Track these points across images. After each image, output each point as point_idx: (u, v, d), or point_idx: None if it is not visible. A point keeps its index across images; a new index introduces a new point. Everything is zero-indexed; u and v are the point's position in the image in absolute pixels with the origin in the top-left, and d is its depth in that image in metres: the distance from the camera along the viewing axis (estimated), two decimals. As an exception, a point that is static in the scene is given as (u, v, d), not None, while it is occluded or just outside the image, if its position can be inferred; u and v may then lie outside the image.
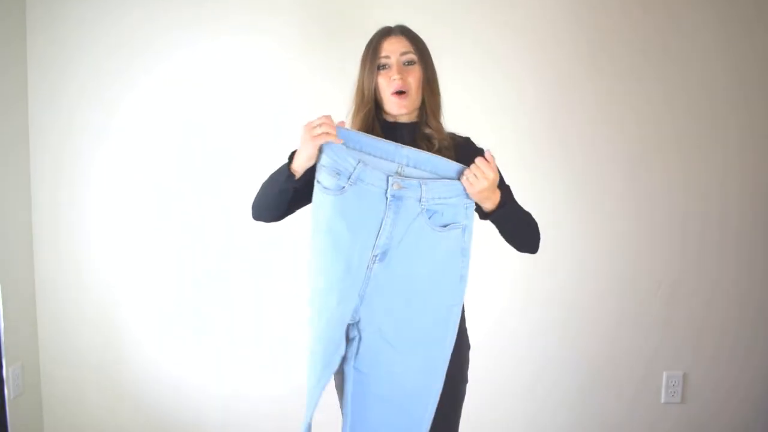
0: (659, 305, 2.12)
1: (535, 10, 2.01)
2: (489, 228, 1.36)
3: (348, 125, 1.41)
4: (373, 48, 1.37)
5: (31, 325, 2.07)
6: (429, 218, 1.26)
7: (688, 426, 2.16)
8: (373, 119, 1.38)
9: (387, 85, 1.36)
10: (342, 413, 1.39)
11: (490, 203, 1.28)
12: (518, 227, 1.37)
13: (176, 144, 2.04)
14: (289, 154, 1.31)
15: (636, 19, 2.02)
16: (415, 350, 1.31)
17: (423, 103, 1.40)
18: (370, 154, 1.26)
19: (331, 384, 1.37)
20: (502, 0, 2.00)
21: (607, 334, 2.12)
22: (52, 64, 2.00)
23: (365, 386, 1.32)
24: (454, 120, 1.47)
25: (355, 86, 1.41)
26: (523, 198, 1.41)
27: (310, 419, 1.33)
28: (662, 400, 2.15)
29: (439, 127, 1.40)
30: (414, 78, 1.36)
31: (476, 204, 1.30)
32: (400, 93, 1.35)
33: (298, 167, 1.26)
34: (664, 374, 2.14)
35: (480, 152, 1.40)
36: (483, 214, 1.33)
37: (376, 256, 1.26)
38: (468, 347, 1.43)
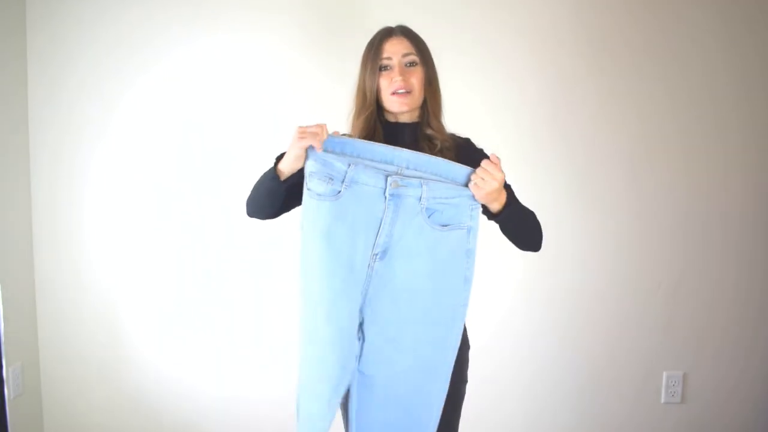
0: (659, 305, 2.12)
1: (537, 7, 2.00)
2: (489, 228, 1.36)
3: (348, 127, 1.41)
4: (374, 49, 1.37)
5: (31, 325, 2.07)
6: (428, 217, 1.25)
7: (688, 426, 2.16)
8: (375, 122, 1.38)
9: (388, 86, 1.36)
10: (343, 415, 1.39)
11: (498, 204, 1.28)
12: (523, 226, 1.37)
13: (176, 142, 2.03)
14: (276, 155, 1.31)
15: (637, 16, 2.01)
16: (418, 350, 1.30)
17: (424, 103, 1.39)
18: (367, 159, 1.25)
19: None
20: (503, -2, 2.01)
21: (607, 334, 2.12)
22: (51, 61, 2.00)
23: (369, 388, 1.31)
24: (455, 118, 1.47)
25: (356, 86, 1.41)
26: (524, 196, 1.40)
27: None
28: (662, 400, 2.15)
29: (441, 128, 1.40)
30: (416, 78, 1.36)
31: (482, 206, 1.29)
32: (401, 93, 1.35)
33: (284, 168, 1.26)
34: (664, 374, 2.14)
35: (480, 153, 1.40)
36: (490, 216, 1.33)
37: (377, 254, 1.26)
38: (468, 347, 1.43)
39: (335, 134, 1.28)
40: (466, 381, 1.44)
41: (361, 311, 1.28)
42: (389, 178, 1.23)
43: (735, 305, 2.12)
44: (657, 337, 2.12)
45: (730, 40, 2.03)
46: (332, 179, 1.22)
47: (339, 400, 1.31)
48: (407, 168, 1.25)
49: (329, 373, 1.28)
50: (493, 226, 1.37)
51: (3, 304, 1.93)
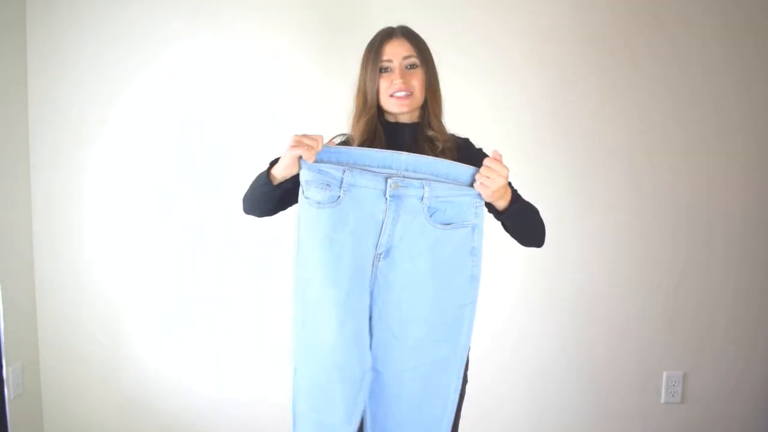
0: (660, 305, 2.12)
1: (537, 6, 2.00)
2: (489, 229, 1.35)
3: (349, 128, 1.41)
4: (374, 51, 1.37)
5: (31, 325, 2.07)
6: (430, 216, 1.25)
7: (688, 426, 2.16)
8: (376, 124, 1.38)
9: (388, 87, 1.36)
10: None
11: (504, 201, 1.28)
12: (529, 221, 1.37)
13: (175, 140, 2.03)
14: (271, 160, 1.32)
15: (638, 15, 2.01)
16: (425, 348, 1.30)
17: (425, 104, 1.40)
18: (365, 165, 1.25)
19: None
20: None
21: (607, 334, 2.12)
22: (50, 57, 2.00)
23: (381, 384, 1.32)
24: (456, 117, 1.47)
25: (356, 87, 1.41)
26: (525, 195, 1.40)
27: None
28: (662, 400, 2.15)
29: (442, 129, 1.40)
30: (417, 80, 1.36)
31: (487, 205, 1.29)
32: (402, 96, 1.35)
33: (277, 174, 1.27)
34: (664, 374, 2.14)
35: (480, 152, 1.40)
36: (496, 214, 1.33)
37: (380, 254, 1.26)
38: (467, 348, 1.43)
39: (331, 144, 1.28)
40: (466, 381, 1.44)
41: (369, 308, 1.29)
42: (389, 180, 1.24)
43: (735, 305, 2.12)
44: (657, 337, 2.12)
45: (731, 38, 2.03)
46: (329, 185, 1.23)
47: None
48: (407, 170, 1.25)
49: (351, 373, 1.28)
50: (495, 226, 1.37)
51: (3, 304, 1.93)
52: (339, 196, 1.24)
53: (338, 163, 1.25)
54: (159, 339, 2.10)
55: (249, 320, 2.09)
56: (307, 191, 1.25)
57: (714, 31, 2.02)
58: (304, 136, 1.23)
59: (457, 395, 1.33)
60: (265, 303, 2.07)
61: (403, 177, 1.25)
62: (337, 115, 1.46)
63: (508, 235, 1.40)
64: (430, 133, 1.39)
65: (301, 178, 1.25)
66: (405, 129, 1.40)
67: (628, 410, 2.15)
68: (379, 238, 1.26)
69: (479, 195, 1.25)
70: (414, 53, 1.36)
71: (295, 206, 1.35)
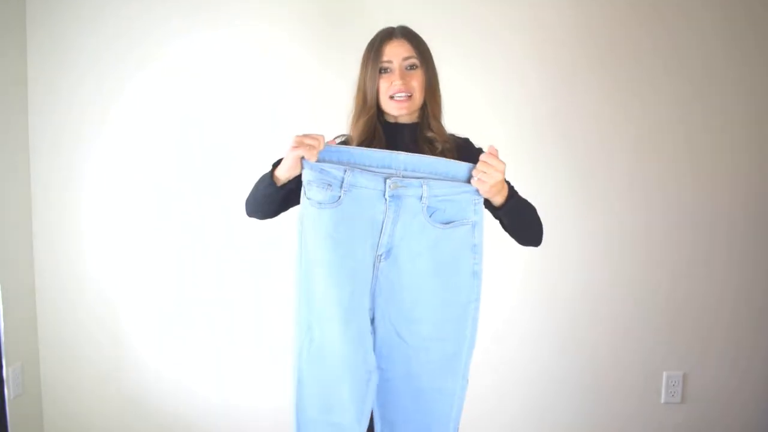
0: (660, 305, 2.11)
1: (538, 1, 2.00)
2: (489, 228, 1.35)
3: (349, 128, 1.42)
4: (374, 51, 1.37)
5: (31, 325, 2.07)
6: (430, 215, 1.26)
7: (688, 426, 2.16)
8: (375, 124, 1.38)
9: (388, 88, 1.36)
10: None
11: (501, 197, 1.29)
12: (526, 218, 1.37)
13: (175, 138, 2.03)
14: (273, 162, 1.32)
15: (639, 5, 2.01)
16: (429, 347, 1.31)
17: (424, 105, 1.40)
18: (364, 165, 1.26)
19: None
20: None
21: (607, 334, 2.12)
22: (50, 55, 2.00)
23: (388, 381, 1.32)
24: (457, 113, 1.48)
25: (356, 86, 1.41)
26: (525, 193, 1.40)
27: None
28: (662, 400, 2.15)
29: (441, 130, 1.41)
30: (417, 82, 1.36)
31: (485, 203, 1.30)
32: (401, 98, 1.35)
33: (280, 175, 1.28)
34: (664, 374, 2.14)
35: (480, 152, 1.40)
36: (493, 211, 1.33)
37: (381, 255, 1.27)
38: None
39: (331, 143, 1.29)
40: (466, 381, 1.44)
41: (372, 309, 1.29)
42: (388, 180, 1.24)
43: (737, 305, 2.12)
44: (657, 337, 2.12)
45: (734, 32, 2.02)
46: (330, 185, 1.24)
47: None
48: (405, 170, 1.26)
49: (357, 374, 1.29)
50: (494, 226, 1.37)
51: (3, 304, 1.93)
52: (340, 197, 1.24)
53: (339, 162, 1.26)
54: (159, 339, 2.10)
55: (249, 320, 2.09)
56: (308, 191, 1.25)
57: (716, 29, 2.02)
58: (305, 136, 1.23)
59: (464, 392, 1.34)
60: (265, 303, 2.07)
61: (402, 177, 1.25)
62: (337, 111, 1.46)
63: (507, 237, 1.40)
64: (430, 134, 1.39)
65: (303, 178, 1.26)
66: (404, 129, 1.41)
67: (627, 410, 2.15)
68: (379, 239, 1.26)
69: (477, 191, 1.26)
70: (414, 54, 1.36)
71: (295, 207, 1.36)
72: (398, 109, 1.37)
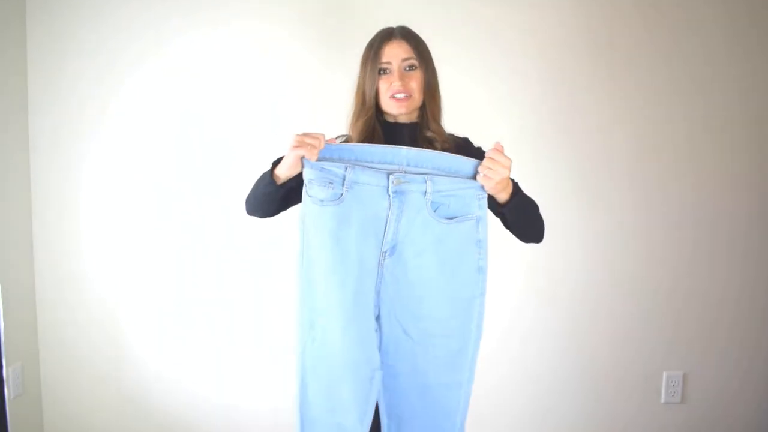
0: (660, 305, 2.11)
1: (540, 0, 2.00)
2: (490, 229, 1.35)
3: (348, 128, 1.42)
4: (374, 52, 1.37)
5: (31, 325, 2.07)
6: (434, 211, 1.26)
7: (688, 426, 2.16)
8: (374, 124, 1.38)
9: (387, 89, 1.36)
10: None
11: (506, 194, 1.29)
12: (530, 215, 1.37)
13: (175, 137, 2.03)
14: (274, 160, 1.32)
15: (641, 7, 2.01)
16: (435, 343, 1.31)
17: (423, 105, 1.40)
18: (366, 161, 1.26)
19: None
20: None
21: (607, 334, 2.12)
22: (50, 53, 2.00)
23: (394, 378, 1.32)
24: (459, 112, 1.47)
25: (356, 86, 1.41)
26: (527, 192, 1.39)
27: None
28: (662, 400, 2.15)
29: (440, 130, 1.40)
30: (416, 82, 1.37)
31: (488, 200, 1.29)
32: (401, 98, 1.35)
33: (280, 173, 1.28)
34: (664, 374, 2.14)
35: (479, 151, 1.41)
36: (496, 208, 1.33)
37: (386, 251, 1.27)
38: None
39: (332, 142, 1.29)
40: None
41: (377, 306, 1.29)
42: (391, 176, 1.24)
43: (739, 305, 2.12)
44: (657, 337, 2.12)
45: (734, 35, 2.02)
46: (332, 183, 1.23)
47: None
48: (408, 166, 1.26)
49: (360, 373, 1.29)
50: (495, 224, 1.36)
51: (3, 304, 1.92)
52: (342, 194, 1.24)
53: (340, 160, 1.26)
54: (159, 339, 2.10)
55: (249, 320, 2.09)
56: (310, 190, 1.25)
57: (718, 28, 2.01)
58: (306, 135, 1.23)
59: (470, 387, 1.34)
60: (265, 303, 2.07)
61: (405, 172, 1.25)
62: (337, 109, 1.46)
63: (508, 236, 1.40)
64: (429, 133, 1.39)
65: (305, 177, 1.26)
66: (404, 129, 1.41)
67: (627, 410, 2.15)
68: (383, 236, 1.26)
69: (482, 187, 1.26)
70: (413, 55, 1.36)
71: (295, 206, 1.36)
72: (398, 108, 1.37)
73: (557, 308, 2.11)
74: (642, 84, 2.03)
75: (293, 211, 1.38)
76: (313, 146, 1.22)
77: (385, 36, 1.38)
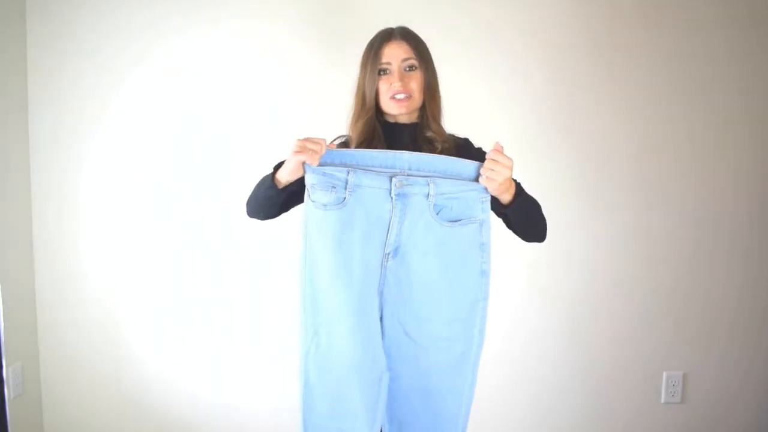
0: (660, 305, 2.11)
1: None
2: (493, 232, 1.35)
3: (348, 129, 1.42)
4: (374, 52, 1.37)
5: (31, 325, 2.07)
6: (437, 214, 1.26)
7: (688, 426, 2.16)
8: (374, 124, 1.38)
9: (387, 90, 1.36)
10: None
11: (509, 194, 1.29)
12: (533, 215, 1.37)
13: (175, 137, 2.03)
14: (275, 165, 1.32)
15: (641, 7, 2.00)
16: (437, 346, 1.31)
17: (423, 105, 1.40)
18: (367, 166, 1.25)
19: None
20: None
21: (607, 334, 2.12)
22: (50, 52, 1.99)
23: (396, 380, 1.32)
24: (460, 112, 1.47)
25: (356, 86, 1.41)
26: (528, 191, 1.39)
27: None
28: (662, 400, 2.15)
29: (441, 130, 1.41)
30: (416, 83, 1.37)
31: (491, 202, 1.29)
32: (401, 98, 1.35)
33: (281, 178, 1.28)
34: (664, 374, 2.14)
35: (480, 152, 1.41)
36: (499, 209, 1.32)
37: (389, 253, 1.27)
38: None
39: (333, 146, 1.29)
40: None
41: (380, 308, 1.29)
42: (394, 179, 1.24)
43: (737, 305, 2.12)
44: (657, 337, 2.12)
45: (734, 34, 2.02)
46: (335, 187, 1.24)
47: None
48: (410, 169, 1.26)
49: (368, 375, 1.28)
50: (497, 225, 1.36)
51: (3, 304, 1.92)
52: (345, 198, 1.24)
53: (342, 164, 1.25)
54: (159, 339, 2.10)
55: (249, 320, 2.08)
56: (312, 194, 1.25)
57: (720, 26, 2.01)
58: (308, 140, 1.23)
59: (473, 391, 1.34)
60: (265, 303, 2.07)
61: (407, 176, 1.25)
62: (337, 110, 1.46)
63: (510, 236, 1.40)
64: (429, 134, 1.39)
65: (307, 182, 1.26)
66: (404, 129, 1.41)
67: (627, 410, 2.15)
68: (386, 238, 1.26)
69: (485, 189, 1.26)
70: (413, 55, 1.36)
71: (296, 208, 1.36)
72: (398, 108, 1.37)
73: (558, 308, 2.11)
74: (642, 84, 2.03)
75: (293, 211, 1.38)
76: (314, 151, 1.22)
77: (385, 36, 1.38)
